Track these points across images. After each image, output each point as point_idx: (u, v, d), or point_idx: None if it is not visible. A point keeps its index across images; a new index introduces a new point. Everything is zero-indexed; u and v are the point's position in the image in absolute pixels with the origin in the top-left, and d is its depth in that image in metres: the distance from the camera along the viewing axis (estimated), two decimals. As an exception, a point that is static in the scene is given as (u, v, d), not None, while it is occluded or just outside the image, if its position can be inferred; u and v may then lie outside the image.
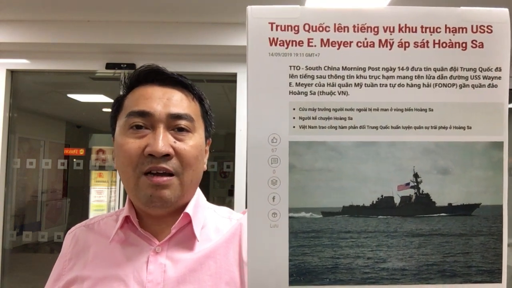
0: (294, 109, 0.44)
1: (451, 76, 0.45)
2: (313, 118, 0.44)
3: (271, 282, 0.44)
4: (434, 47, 0.45)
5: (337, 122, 0.45)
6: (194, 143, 0.72)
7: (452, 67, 0.45)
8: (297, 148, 0.44)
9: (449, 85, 0.45)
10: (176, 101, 0.72)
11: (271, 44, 0.44)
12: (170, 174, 0.69)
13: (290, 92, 0.44)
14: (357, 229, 0.45)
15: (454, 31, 0.45)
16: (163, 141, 0.68)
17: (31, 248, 2.81)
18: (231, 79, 2.30)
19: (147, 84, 0.74)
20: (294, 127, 0.44)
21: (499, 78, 0.45)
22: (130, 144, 0.69)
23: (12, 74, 2.37)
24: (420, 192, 0.45)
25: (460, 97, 0.45)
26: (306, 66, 0.45)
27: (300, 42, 0.45)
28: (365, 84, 0.45)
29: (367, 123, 0.45)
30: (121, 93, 0.79)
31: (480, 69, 0.45)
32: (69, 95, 3.10)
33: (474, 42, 0.45)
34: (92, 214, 2.48)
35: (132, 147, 0.69)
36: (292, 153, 0.44)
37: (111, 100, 0.80)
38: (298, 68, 0.44)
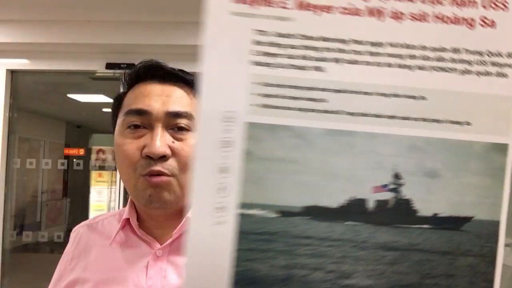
0: (255, 83, 0.36)
1: (452, 58, 0.37)
2: (278, 97, 0.36)
3: None
4: (434, 22, 0.37)
5: (308, 103, 0.36)
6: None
7: (454, 48, 0.37)
8: (256, 132, 0.36)
9: (449, 70, 0.37)
10: (176, 99, 0.69)
11: (234, 1, 0.36)
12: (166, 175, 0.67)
13: (251, 62, 0.36)
14: (320, 235, 0.37)
15: (461, 4, 0.37)
16: (161, 141, 0.65)
17: (31, 248, 2.85)
18: (231, 79, 2.26)
19: (147, 81, 0.71)
20: (254, 105, 0.36)
21: (511, 66, 0.37)
22: (128, 145, 0.67)
23: (12, 74, 2.37)
24: (400, 196, 0.37)
25: (461, 85, 0.37)
26: (275, 32, 0.36)
27: (271, 2, 0.36)
28: (346, 60, 0.37)
29: (344, 108, 0.37)
30: (121, 91, 0.77)
31: (488, 53, 0.37)
32: (69, 95, 3.14)
33: (484, 19, 0.37)
34: (92, 214, 2.50)
35: (130, 148, 0.67)
36: (249, 136, 0.36)
37: (111, 100, 0.78)
38: (264, 33, 0.36)
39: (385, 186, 0.37)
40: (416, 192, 0.37)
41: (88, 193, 2.51)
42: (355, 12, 0.37)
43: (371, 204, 0.37)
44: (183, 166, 0.67)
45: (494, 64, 0.37)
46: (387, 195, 0.37)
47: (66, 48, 2.23)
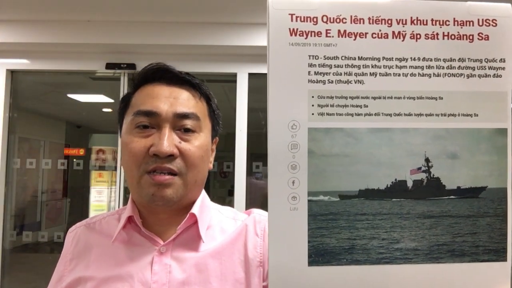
0: (313, 97, 0.46)
1: (459, 66, 0.48)
2: (331, 106, 0.47)
3: (292, 263, 0.46)
4: (443, 39, 0.48)
5: (354, 109, 0.47)
6: (200, 143, 0.72)
7: (460, 58, 0.48)
8: (316, 134, 0.46)
9: (458, 75, 0.48)
10: (183, 100, 0.72)
11: (291, 35, 0.46)
12: (174, 173, 0.69)
13: (309, 81, 0.46)
14: (373, 211, 0.47)
15: (462, 24, 0.48)
16: (168, 141, 0.68)
17: (31, 248, 2.80)
18: (231, 79, 2.31)
19: (155, 83, 0.74)
20: (313, 114, 0.46)
21: (503, 68, 0.48)
22: (136, 143, 0.70)
23: (12, 74, 2.37)
24: (431, 176, 0.47)
25: (468, 86, 0.48)
26: (324, 56, 0.47)
27: (319, 33, 0.47)
28: (380, 73, 0.47)
29: (382, 111, 0.47)
30: (124, 91, 0.79)
31: (486, 60, 0.48)
32: (69, 95, 3.10)
33: (480, 34, 0.48)
34: (92, 214, 2.46)
35: (137, 146, 0.69)
36: (311, 139, 0.46)
37: (111, 100, 0.82)
38: (316, 57, 0.46)
39: (419, 168, 0.47)
40: (442, 171, 0.47)
41: (88, 193, 2.50)
42: (383, 35, 0.48)
43: (409, 184, 0.48)
44: (190, 165, 0.70)
45: (490, 68, 0.48)
46: (421, 176, 0.47)
47: (66, 48, 2.23)
